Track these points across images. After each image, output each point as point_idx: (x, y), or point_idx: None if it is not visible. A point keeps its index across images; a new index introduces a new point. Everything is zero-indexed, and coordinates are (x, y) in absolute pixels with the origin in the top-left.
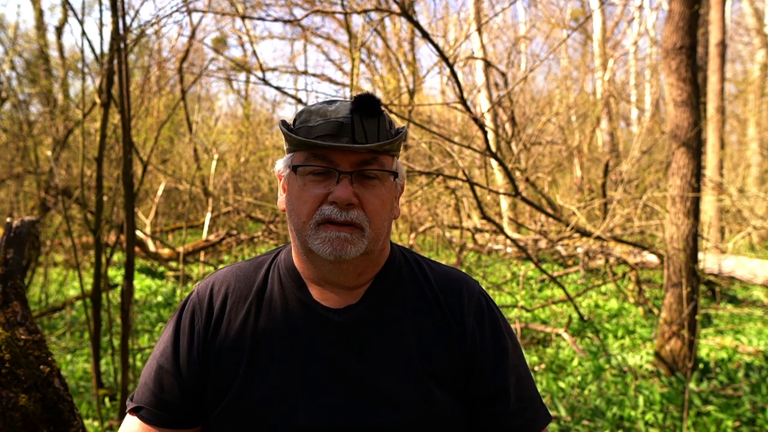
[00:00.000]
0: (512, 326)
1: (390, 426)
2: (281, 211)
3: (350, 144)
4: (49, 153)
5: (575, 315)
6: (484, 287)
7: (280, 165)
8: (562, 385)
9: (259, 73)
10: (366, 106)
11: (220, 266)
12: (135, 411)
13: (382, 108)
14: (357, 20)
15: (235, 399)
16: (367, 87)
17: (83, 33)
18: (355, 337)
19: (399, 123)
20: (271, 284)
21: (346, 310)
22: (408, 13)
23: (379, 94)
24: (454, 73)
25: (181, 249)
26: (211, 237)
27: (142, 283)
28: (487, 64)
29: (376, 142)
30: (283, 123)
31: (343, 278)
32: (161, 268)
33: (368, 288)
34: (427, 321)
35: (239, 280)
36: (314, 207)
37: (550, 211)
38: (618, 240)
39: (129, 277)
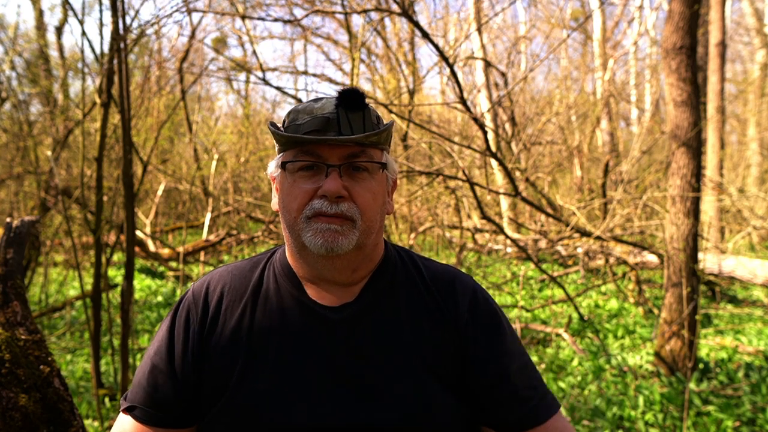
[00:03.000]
0: (512, 326)
1: (388, 423)
2: (275, 212)
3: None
4: (49, 153)
5: (575, 315)
6: (484, 287)
7: (272, 167)
8: (562, 385)
9: (259, 73)
10: (350, 99)
11: (220, 266)
12: (128, 410)
13: (367, 101)
14: (357, 20)
15: (231, 398)
16: (367, 87)
17: (83, 33)
18: (352, 334)
19: (390, 119)
20: (267, 283)
21: (342, 308)
22: (408, 13)
23: (379, 94)
24: (454, 73)
25: (181, 249)
26: (211, 237)
27: (142, 283)
28: (487, 64)
29: (362, 133)
30: (272, 123)
31: (337, 275)
32: (161, 268)
33: (364, 286)
34: (422, 317)
35: (235, 279)
36: (304, 202)
37: (550, 211)
38: (618, 240)
39: (129, 277)
